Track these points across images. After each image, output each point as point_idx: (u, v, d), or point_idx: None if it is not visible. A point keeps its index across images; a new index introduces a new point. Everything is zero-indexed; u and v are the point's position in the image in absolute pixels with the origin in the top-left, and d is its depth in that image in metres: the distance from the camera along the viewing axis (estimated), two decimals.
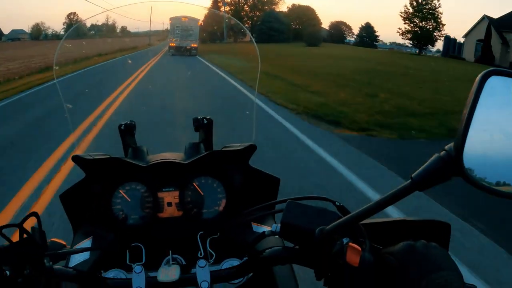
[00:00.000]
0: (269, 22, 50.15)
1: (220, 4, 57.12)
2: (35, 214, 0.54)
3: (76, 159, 0.73)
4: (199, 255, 0.71)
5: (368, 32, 57.56)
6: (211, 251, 0.71)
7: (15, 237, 0.53)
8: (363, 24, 59.07)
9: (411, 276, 0.42)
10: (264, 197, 0.82)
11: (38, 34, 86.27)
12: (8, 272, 0.52)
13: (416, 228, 0.57)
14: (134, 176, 0.77)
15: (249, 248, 0.69)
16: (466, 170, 0.40)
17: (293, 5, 62.73)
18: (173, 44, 18.42)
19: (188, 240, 0.74)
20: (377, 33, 58.75)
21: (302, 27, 53.95)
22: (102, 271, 0.68)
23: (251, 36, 1.12)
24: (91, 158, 0.73)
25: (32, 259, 0.52)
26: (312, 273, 0.56)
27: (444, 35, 38.97)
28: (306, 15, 57.54)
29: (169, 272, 0.63)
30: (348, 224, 0.49)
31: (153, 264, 0.68)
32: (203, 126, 0.88)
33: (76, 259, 0.68)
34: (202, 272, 0.63)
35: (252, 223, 0.77)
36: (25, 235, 0.52)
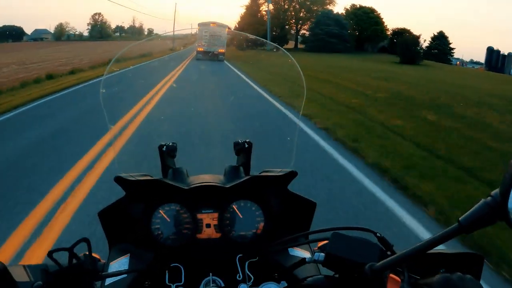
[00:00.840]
0: (326, 26, 40.15)
1: (261, 1, 49.93)
2: (85, 240, 0.59)
3: (118, 180, 0.80)
4: (237, 277, 0.77)
5: (442, 44, 47.27)
6: (249, 274, 0.77)
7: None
8: (435, 33, 48.02)
9: None
10: (300, 220, 0.89)
11: (60, 34, 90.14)
12: None
13: (451, 259, 0.64)
14: (173, 197, 0.83)
15: (287, 273, 0.75)
16: (510, 216, 0.46)
17: (353, 5, 50.47)
18: (200, 49, 19.98)
19: (226, 262, 0.79)
20: (451, 45, 47.82)
21: (364, 34, 43.44)
22: None
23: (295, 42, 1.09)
24: (134, 179, 0.80)
25: (83, 283, 0.59)
26: None
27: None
28: (369, 20, 46.85)
29: None
30: (397, 263, 0.54)
31: (191, 285, 0.74)
32: (244, 150, 0.95)
33: (113, 277, 0.74)
34: None
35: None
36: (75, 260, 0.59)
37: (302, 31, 49.71)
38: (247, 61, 19.07)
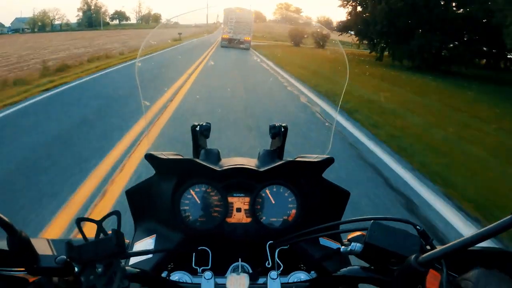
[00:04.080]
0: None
1: None
2: (117, 213, 0.68)
3: (149, 157, 1.01)
4: (266, 264, 0.95)
5: None
6: (279, 262, 0.94)
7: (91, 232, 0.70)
8: None
9: None
10: (333, 209, 1.08)
11: (44, 23, 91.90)
12: (77, 268, 0.68)
13: (486, 257, 0.77)
14: (204, 179, 1.04)
15: (317, 264, 0.91)
16: None
17: None
18: (226, 36, 23.21)
19: (256, 248, 0.98)
20: None
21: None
22: (165, 272, 0.90)
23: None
24: (165, 157, 1.01)
25: (109, 259, 0.67)
26: None
27: None
28: None
29: (238, 281, 0.84)
30: (444, 256, 0.62)
31: (219, 269, 0.91)
32: (279, 134, 1.16)
33: (138, 257, 0.92)
34: (274, 284, 0.84)
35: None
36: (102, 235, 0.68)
37: None
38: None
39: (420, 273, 0.64)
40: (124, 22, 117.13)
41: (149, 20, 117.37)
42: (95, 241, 0.67)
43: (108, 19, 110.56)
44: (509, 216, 0.55)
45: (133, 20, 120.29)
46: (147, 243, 0.99)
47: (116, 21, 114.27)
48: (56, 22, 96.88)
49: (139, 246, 0.98)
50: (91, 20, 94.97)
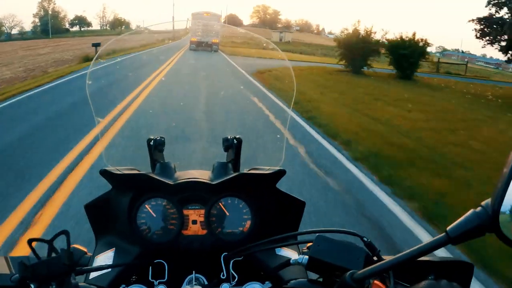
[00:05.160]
0: None
1: None
2: (65, 232, 0.75)
3: (104, 173, 1.09)
4: (221, 276, 1.02)
5: None
6: (234, 273, 1.01)
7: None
8: None
9: None
10: (289, 219, 1.17)
11: None
12: (33, 286, 0.72)
13: (440, 267, 0.84)
14: (160, 192, 1.12)
15: (272, 274, 0.98)
16: (501, 229, 0.57)
17: None
18: (194, 39, 24.67)
19: (211, 260, 1.05)
20: None
21: None
22: (123, 285, 0.97)
23: None
24: (120, 173, 1.08)
25: (60, 277, 0.73)
26: None
27: None
28: None
29: None
30: (380, 272, 0.68)
31: (175, 282, 0.98)
32: (233, 146, 1.25)
33: (99, 262, 1.00)
34: None
35: None
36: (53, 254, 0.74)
37: None
38: None
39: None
40: (86, 28, 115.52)
41: (116, 26, 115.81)
42: (47, 260, 0.73)
43: (68, 25, 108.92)
44: (443, 234, 0.61)
45: (96, 26, 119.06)
46: (107, 256, 1.06)
47: (76, 28, 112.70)
48: (13, 31, 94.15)
49: (99, 259, 1.05)
50: (47, 27, 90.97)
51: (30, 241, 0.74)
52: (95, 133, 6.54)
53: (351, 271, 0.71)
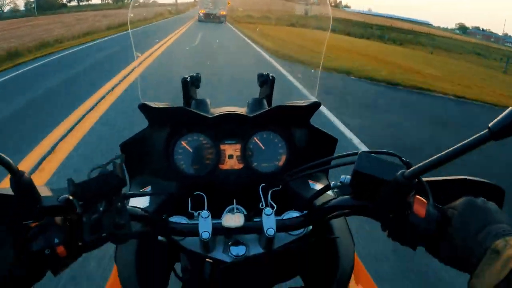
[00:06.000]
0: None
1: None
2: (120, 156, 0.75)
3: (142, 107, 1.11)
4: (260, 206, 1.05)
5: None
6: (272, 202, 1.05)
7: None
8: None
9: (471, 227, 0.66)
10: (321, 155, 1.17)
11: None
12: (78, 208, 0.72)
13: (473, 188, 0.88)
14: (197, 127, 1.17)
15: (309, 202, 1.02)
16: None
17: None
18: (203, 11, 29.16)
19: (249, 192, 1.10)
20: None
21: None
22: (164, 215, 0.99)
23: None
24: (158, 107, 1.11)
25: (110, 194, 0.73)
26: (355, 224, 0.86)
27: None
28: None
29: (233, 219, 0.95)
30: (428, 169, 0.70)
31: (214, 213, 1.00)
32: (267, 82, 1.30)
33: (135, 203, 1.02)
34: (268, 219, 0.93)
35: (308, 180, 1.15)
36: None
37: None
38: None
39: (408, 188, 0.74)
40: (85, 2, 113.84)
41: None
42: (97, 176, 0.73)
43: (65, 0, 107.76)
44: (485, 131, 0.62)
45: (95, 0, 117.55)
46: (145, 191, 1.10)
47: (74, 2, 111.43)
48: (7, 8, 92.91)
49: (134, 199, 1.07)
50: (41, 2, 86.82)
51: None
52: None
53: (401, 171, 0.74)
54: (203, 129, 1.18)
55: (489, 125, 0.62)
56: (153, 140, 1.19)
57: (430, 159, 0.70)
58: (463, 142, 0.65)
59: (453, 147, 0.66)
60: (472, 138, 0.64)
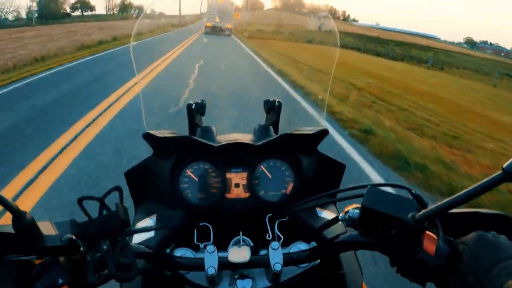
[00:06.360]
0: None
1: None
2: (118, 188, 0.75)
3: (147, 136, 1.11)
4: (267, 237, 1.06)
5: None
6: (279, 233, 1.06)
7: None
8: None
9: (483, 263, 0.65)
10: (329, 182, 1.22)
11: None
12: (82, 247, 0.73)
13: (484, 220, 0.87)
14: (202, 156, 1.16)
15: (317, 234, 1.02)
16: None
17: None
18: (209, 24, 29.95)
19: (255, 222, 1.10)
20: None
21: None
22: (168, 249, 0.99)
23: None
24: (162, 136, 1.11)
25: (114, 234, 0.75)
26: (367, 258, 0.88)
27: None
28: None
29: (240, 253, 0.95)
30: (439, 213, 0.70)
31: (220, 244, 1.00)
32: (274, 108, 1.31)
33: (140, 236, 1.03)
34: (275, 254, 0.92)
35: (316, 207, 1.14)
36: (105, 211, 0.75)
37: None
38: None
39: (418, 231, 0.73)
40: (89, 13, 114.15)
41: (123, 10, 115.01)
42: (99, 217, 0.74)
43: (69, 10, 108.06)
44: (499, 172, 0.61)
45: (100, 10, 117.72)
46: (147, 223, 1.10)
47: (78, 12, 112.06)
48: (10, 16, 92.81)
49: (140, 226, 1.08)
50: (44, 12, 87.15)
51: (80, 200, 0.74)
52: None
53: (412, 213, 0.74)
54: (209, 158, 1.18)
55: (503, 166, 0.61)
56: (158, 168, 1.19)
57: (443, 201, 0.70)
58: (477, 184, 0.64)
59: (466, 189, 0.66)
60: (486, 179, 0.63)
